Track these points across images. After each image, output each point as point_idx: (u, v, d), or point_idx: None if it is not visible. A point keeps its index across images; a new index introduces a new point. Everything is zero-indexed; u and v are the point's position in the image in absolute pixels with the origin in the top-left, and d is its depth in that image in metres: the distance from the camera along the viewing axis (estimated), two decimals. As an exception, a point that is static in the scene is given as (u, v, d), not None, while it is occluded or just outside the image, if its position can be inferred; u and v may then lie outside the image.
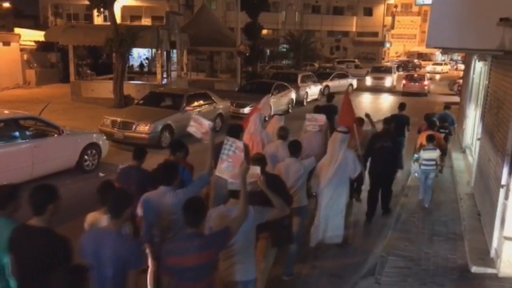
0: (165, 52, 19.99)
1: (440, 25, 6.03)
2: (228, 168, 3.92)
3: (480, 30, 5.81)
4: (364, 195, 8.13)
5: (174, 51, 21.78)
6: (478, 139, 8.73)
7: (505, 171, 5.47)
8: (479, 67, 10.89)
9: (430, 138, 8.17)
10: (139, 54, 26.64)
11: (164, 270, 3.26)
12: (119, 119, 12.15)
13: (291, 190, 5.17)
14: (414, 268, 5.87)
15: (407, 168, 9.71)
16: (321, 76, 27.06)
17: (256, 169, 3.88)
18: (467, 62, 14.92)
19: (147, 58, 25.82)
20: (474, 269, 5.71)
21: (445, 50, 7.20)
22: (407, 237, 6.81)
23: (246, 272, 3.73)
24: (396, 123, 8.49)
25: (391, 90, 28.77)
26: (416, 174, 8.75)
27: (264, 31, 37.20)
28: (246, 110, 16.13)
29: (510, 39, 5.24)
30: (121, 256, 3.08)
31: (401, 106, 10.42)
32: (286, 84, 19.64)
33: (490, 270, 5.63)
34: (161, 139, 12.00)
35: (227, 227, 3.34)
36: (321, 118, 6.47)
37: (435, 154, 8.06)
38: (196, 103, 13.84)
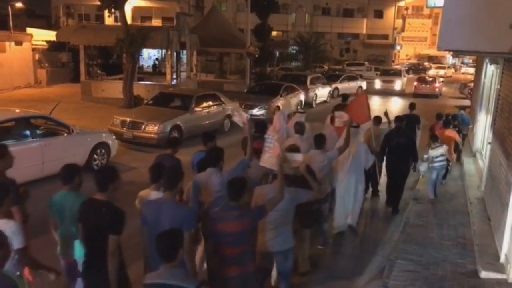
0: (175, 53, 20.08)
1: (452, 27, 5.99)
2: (269, 159, 4.62)
3: (492, 33, 5.76)
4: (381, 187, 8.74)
5: (184, 52, 21.87)
6: (489, 143, 8.65)
7: (517, 175, 5.40)
8: (490, 71, 10.79)
9: (433, 137, 8.84)
10: (149, 55, 26.83)
11: (208, 235, 3.87)
12: (128, 119, 12.22)
13: None
14: (423, 272, 5.83)
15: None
16: (330, 78, 26.99)
17: (298, 157, 4.55)
18: (478, 65, 14.78)
19: (157, 59, 25.95)
20: (484, 274, 5.65)
21: (457, 53, 7.14)
22: (416, 241, 6.76)
23: (285, 242, 4.41)
24: (407, 123, 8.96)
25: (401, 94, 28.20)
26: (422, 174, 9.22)
27: (274, 33, 37.22)
28: (255, 111, 16.16)
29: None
30: (177, 220, 3.64)
31: (411, 106, 10.88)
32: (295, 86, 19.62)
33: (500, 276, 5.56)
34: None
35: (263, 206, 4.00)
36: (346, 115, 7.05)
37: (442, 150, 8.61)
38: (205, 104, 13.88)
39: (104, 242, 3.58)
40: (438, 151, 8.62)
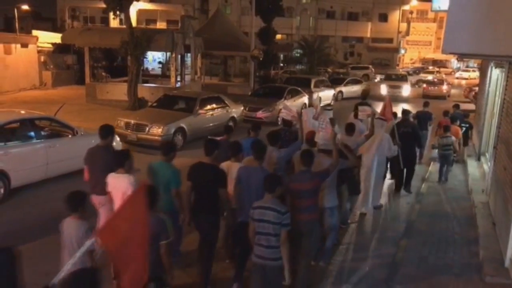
0: (179, 56, 20.13)
1: (457, 30, 5.97)
2: (323, 136, 6.16)
3: (497, 36, 5.73)
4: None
5: (189, 54, 21.92)
6: (494, 147, 8.61)
7: (522, 179, 5.37)
8: (495, 74, 10.74)
9: (446, 128, 10.19)
10: (154, 57, 26.90)
11: (287, 192, 4.90)
12: (132, 121, 12.25)
13: None
14: (427, 276, 5.79)
15: (419, 171, 9.98)
16: (334, 81, 26.98)
17: (338, 134, 6.51)
18: (483, 69, 14.73)
19: (160, 62, 26.04)
20: (488, 279, 5.61)
21: (461, 56, 7.13)
22: (420, 245, 6.72)
23: (331, 200, 5.76)
24: (421, 119, 11.07)
25: (408, 100, 25.40)
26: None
27: (278, 36, 37.29)
28: (259, 114, 16.17)
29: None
30: (262, 178, 4.70)
31: (425, 104, 12.31)
32: (299, 88, 19.62)
33: (504, 281, 5.52)
34: (174, 141, 12.04)
35: (327, 169, 5.24)
36: (369, 109, 8.43)
37: (450, 140, 10.07)
38: (209, 107, 13.91)
39: (210, 193, 5.02)
40: (448, 141, 10.04)
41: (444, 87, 29.33)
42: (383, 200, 8.54)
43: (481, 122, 12.43)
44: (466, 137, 11.90)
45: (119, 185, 4.91)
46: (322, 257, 5.94)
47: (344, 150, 5.88)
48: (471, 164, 11.38)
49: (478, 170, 10.85)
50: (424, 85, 30.18)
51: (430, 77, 42.92)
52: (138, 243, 3.28)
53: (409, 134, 9.06)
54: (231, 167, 5.48)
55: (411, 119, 10.11)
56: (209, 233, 5.20)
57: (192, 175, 5.15)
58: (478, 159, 11.54)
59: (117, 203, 4.90)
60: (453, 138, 10.21)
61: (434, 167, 11.21)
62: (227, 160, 5.68)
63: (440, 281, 5.68)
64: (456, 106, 12.88)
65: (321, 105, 19.62)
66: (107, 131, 5.90)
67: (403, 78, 29.81)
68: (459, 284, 5.59)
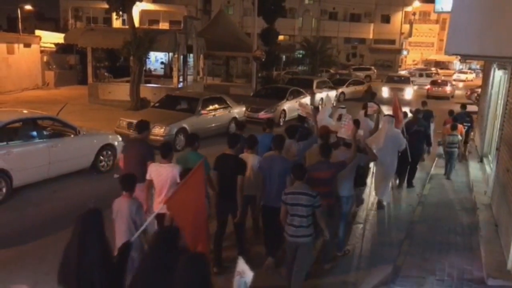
0: (181, 56, 20.14)
1: (460, 31, 5.95)
2: (345, 132, 6.68)
3: (500, 37, 5.72)
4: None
5: (191, 55, 21.92)
6: (497, 149, 8.58)
7: (524, 181, 5.35)
8: (498, 76, 10.71)
9: (453, 127, 10.60)
10: (156, 58, 26.95)
11: (308, 181, 5.15)
12: (135, 121, 12.18)
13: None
14: (428, 278, 5.76)
15: (419, 176, 10.05)
16: (337, 83, 26.96)
17: (360, 132, 7.07)
18: (486, 71, 14.71)
19: (162, 63, 26.07)
20: (491, 281, 5.57)
21: (464, 57, 7.12)
22: (422, 247, 6.69)
23: (348, 189, 6.33)
24: (423, 116, 11.14)
25: (411, 102, 23.00)
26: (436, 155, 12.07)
27: (281, 37, 37.21)
28: (261, 114, 16.15)
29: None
30: (284, 168, 5.62)
31: (423, 103, 12.95)
32: (301, 89, 19.61)
33: (507, 283, 5.49)
34: (176, 142, 12.05)
35: (344, 161, 5.95)
36: (375, 105, 9.27)
37: (456, 138, 10.54)
38: (211, 107, 13.91)
39: (232, 181, 5.64)
40: (455, 139, 10.51)
41: (448, 88, 29.82)
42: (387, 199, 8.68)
43: (483, 123, 12.40)
44: (467, 136, 12.50)
45: (165, 174, 5.48)
46: (337, 247, 6.49)
47: (366, 147, 6.80)
48: (474, 166, 11.35)
49: (480, 172, 10.82)
50: (428, 86, 30.54)
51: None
52: (199, 211, 4.35)
53: (421, 132, 9.79)
54: (248, 158, 6.02)
55: (422, 120, 10.63)
56: (226, 219, 5.98)
57: (217, 164, 5.83)
58: (481, 161, 11.51)
59: (163, 190, 5.48)
60: (459, 136, 10.69)
61: (438, 163, 11.90)
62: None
63: (441, 282, 5.65)
64: (463, 107, 13.23)
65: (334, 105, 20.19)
66: (143, 127, 6.53)
67: (405, 81, 29.07)
68: (460, 286, 5.56)
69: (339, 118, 7.62)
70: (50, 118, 9.49)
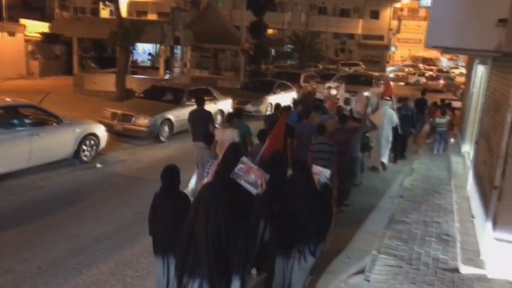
0: (168, 48, 19.99)
1: (440, 24, 6.03)
2: (360, 106, 9.06)
3: (480, 31, 5.81)
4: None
5: (179, 47, 21.76)
6: (476, 143, 8.71)
7: (498, 172, 5.45)
8: (480, 71, 10.84)
9: (442, 111, 12.89)
10: (144, 49, 26.72)
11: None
12: (119, 111, 12.18)
13: None
14: (405, 267, 5.85)
15: (402, 169, 10.23)
16: (324, 77, 27.04)
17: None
18: (469, 67, 14.91)
19: (150, 54, 25.86)
20: (464, 269, 5.68)
21: (445, 50, 7.22)
22: (399, 237, 6.78)
23: (356, 151, 8.13)
24: (419, 104, 13.89)
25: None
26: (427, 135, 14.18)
27: (270, 31, 37.18)
28: (248, 107, 16.17)
29: (508, 41, 5.22)
30: (310, 133, 7.41)
31: (423, 93, 15.67)
32: (288, 83, 19.64)
33: (479, 271, 5.60)
34: (160, 133, 12.02)
35: (356, 128, 8.13)
36: (364, 98, 12.06)
37: (445, 120, 12.71)
38: (197, 99, 13.84)
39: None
40: (443, 120, 12.66)
41: (441, 82, 35.68)
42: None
43: (466, 118, 12.59)
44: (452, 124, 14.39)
45: (228, 136, 7.30)
46: (344, 197, 8.10)
47: (368, 120, 8.81)
48: (455, 160, 11.51)
49: (461, 165, 10.98)
50: (424, 80, 37.36)
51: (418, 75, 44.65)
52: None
53: (408, 116, 11.85)
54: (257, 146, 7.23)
55: (411, 104, 12.78)
56: None
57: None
58: (462, 155, 11.68)
59: (223, 149, 6.32)
60: (448, 117, 12.81)
61: (421, 156, 12.76)
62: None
63: (417, 271, 5.74)
64: (442, 101, 15.39)
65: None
66: (200, 101, 9.17)
67: (367, 82, 22.05)
68: (435, 275, 5.66)
69: (347, 101, 11.33)
70: (32, 106, 9.36)
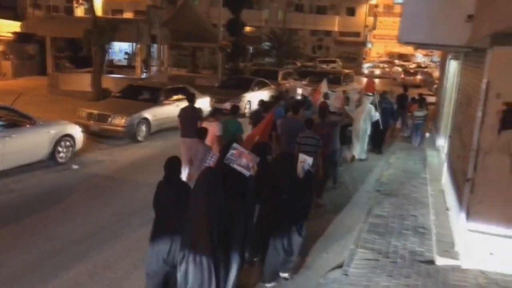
0: (145, 46, 19.79)
1: (412, 20, 6.13)
2: (338, 101, 10.70)
3: (452, 26, 5.92)
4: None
5: (155, 45, 21.56)
6: (449, 137, 8.89)
7: (471, 165, 5.56)
8: (453, 67, 11.06)
9: (420, 105, 13.63)
10: (120, 48, 26.37)
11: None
12: (95, 112, 12.01)
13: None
14: (382, 260, 5.94)
15: (378, 164, 10.39)
16: (302, 75, 27.13)
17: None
18: (442, 62, 15.20)
19: (126, 53, 25.53)
20: (439, 260, 5.80)
21: (418, 46, 7.33)
22: (377, 231, 6.88)
23: (336, 144, 8.65)
24: (400, 98, 14.88)
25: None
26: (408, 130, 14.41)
27: (247, 28, 37.09)
28: (226, 105, 16.10)
29: (475, 36, 5.33)
30: (298, 128, 7.85)
31: (405, 89, 16.01)
32: (266, 80, 19.66)
33: (454, 262, 5.72)
34: (138, 133, 11.90)
35: (336, 122, 8.73)
36: (342, 95, 12.53)
37: (423, 113, 13.37)
38: (174, 97, 13.76)
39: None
40: (420, 113, 13.32)
41: (418, 77, 35.41)
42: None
43: (440, 113, 12.83)
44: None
45: (213, 130, 7.66)
46: (333, 180, 9.13)
47: (346, 114, 9.91)
48: (430, 154, 11.73)
49: (436, 159, 11.20)
50: (402, 76, 36.71)
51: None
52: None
53: (387, 109, 12.51)
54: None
55: (390, 99, 13.44)
56: None
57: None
58: (437, 149, 11.91)
59: (208, 141, 7.38)
60: (425, 111, 13.43)
61: (398, 152, 13.07)
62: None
63: (394, 264, 5.83)
64: (420, 95, 15.75)
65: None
66: (193, 97, 9.69)
67: (335, 80, 21.04)
68: (411, 267, 5.76)
69: (325, 96, 11.60)
70: (4, 108, 9.11)
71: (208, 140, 7.48)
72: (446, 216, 7.21)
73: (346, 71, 26.13)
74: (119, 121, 11.63)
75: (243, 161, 4.46)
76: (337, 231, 7.15)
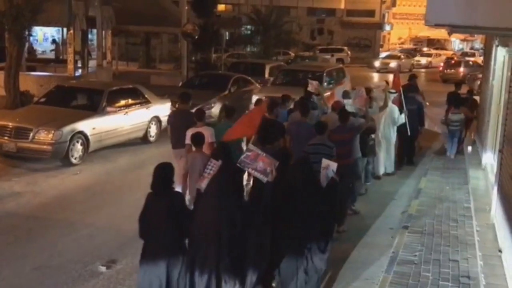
0: (80, 32, 19.78)
1: (444, -4, 6.20)
2: (358, 101, 10.49)
3: (495, 4, 5.99)
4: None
5: (94, 31, 21.57)
6: (499, 151, 8.96)
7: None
8: (501, 56, 11.14)
9: (455, 105, 13.88)
10: (45, 36, 26.33)
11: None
12: (10, 124, 11.94)
13: None
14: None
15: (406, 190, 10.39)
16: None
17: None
18: (487, 51, 15.39)
19: (54, 41, 25.49)
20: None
21: (451, 29, 7.36)
22: (404, 283, 6.87)
23: (356, 152, 9.30)
24: (453, 100, 14.58)
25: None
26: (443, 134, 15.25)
27: (221, 7, 37.54)
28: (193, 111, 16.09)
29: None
30: (309, 131, 8.46)
31: (411, 78, 15.88)
32: (248, 78, 19.75)
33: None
34: (71, 152, 11.79)
35: (359, 125, 9.30)
36: (316, 82, 12.68)
37: (460, 116, 13.71)
38: (122, 102, 13.76)
39: None
40: (456, 117, 13.68)
41: (461, 70, 36.20)
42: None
43: (485, 119, 12.95)
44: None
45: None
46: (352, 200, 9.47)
47: (366, 113, 10.14)
48: (474, 175, 11.83)
49: (483, 181, 11.29)
50: (441, 68, 39.13)
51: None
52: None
53: (413, 111, 12.80)
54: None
55: (418, 97, 13.78)
56: None
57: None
58: (483, 168, 12.02)
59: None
60: (462, 115, 13.80)
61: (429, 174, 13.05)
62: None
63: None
64: (469, 92, 16.52)
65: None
66: (186, 97, 9.92)
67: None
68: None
69: (345, 94, 11.93)
70: None
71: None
72: (498, 261, 7.25)
73: (333, 66, 25.39)
74: (44, 137, 11.52)
75: (259, 164, 5.09)
76: (350, 284, 7.12)
